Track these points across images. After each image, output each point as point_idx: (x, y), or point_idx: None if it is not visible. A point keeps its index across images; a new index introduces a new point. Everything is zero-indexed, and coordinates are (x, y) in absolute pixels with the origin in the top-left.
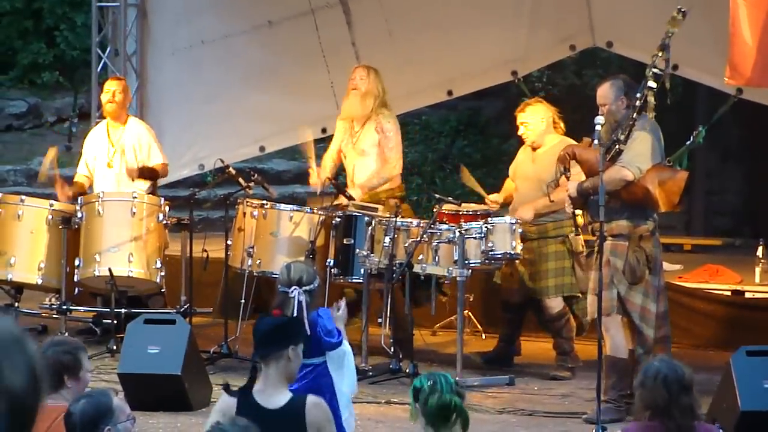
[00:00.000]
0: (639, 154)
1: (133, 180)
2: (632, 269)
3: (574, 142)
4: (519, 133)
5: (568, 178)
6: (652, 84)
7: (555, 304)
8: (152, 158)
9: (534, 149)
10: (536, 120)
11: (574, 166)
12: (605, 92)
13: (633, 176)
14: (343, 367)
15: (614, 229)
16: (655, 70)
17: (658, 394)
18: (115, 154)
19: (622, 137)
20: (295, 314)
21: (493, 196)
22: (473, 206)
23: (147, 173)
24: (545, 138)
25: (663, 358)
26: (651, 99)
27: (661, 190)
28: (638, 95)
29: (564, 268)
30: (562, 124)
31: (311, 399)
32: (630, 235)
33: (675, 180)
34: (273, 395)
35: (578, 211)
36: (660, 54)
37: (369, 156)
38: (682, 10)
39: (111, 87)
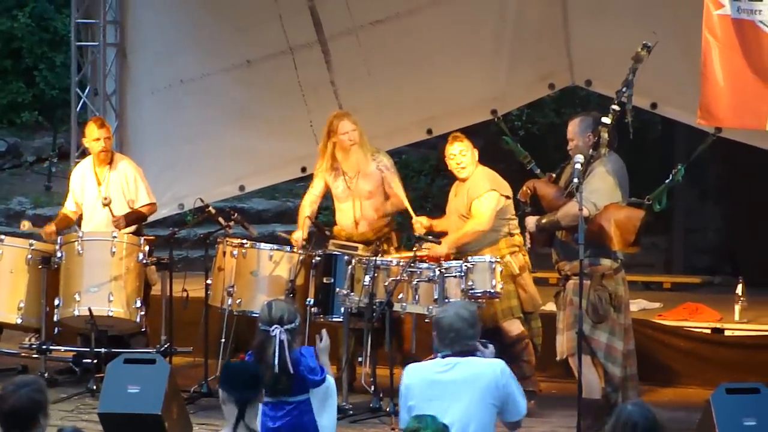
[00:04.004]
0: (595, 190)
1: (120, 230)
2: (594, 308)
3: (491, 171)
4: (453, 166)
5: (528, 213)
6: (605, 120)
7: (514, 327)
8: (140, 197)
9: (462, 181)
10: (469, 153)
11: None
12: (573, 128)
13: (587, 212)
14: (327, 401)
15: (575, 267)
16: (613, 107)
17: None
18: (104, 191)
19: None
20: (276, 353)
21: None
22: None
23: (134, 219)
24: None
25: (636, 402)
26: (604, 135)
27: (616, 228)
28: (592, 131)
29: (509, 291)
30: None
31: None
32: (591, 274)
33: (630, 219)
34: None
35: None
36: (624, 90)
37: (377, 195)
38: (648, 45)
39: (100, 134)
